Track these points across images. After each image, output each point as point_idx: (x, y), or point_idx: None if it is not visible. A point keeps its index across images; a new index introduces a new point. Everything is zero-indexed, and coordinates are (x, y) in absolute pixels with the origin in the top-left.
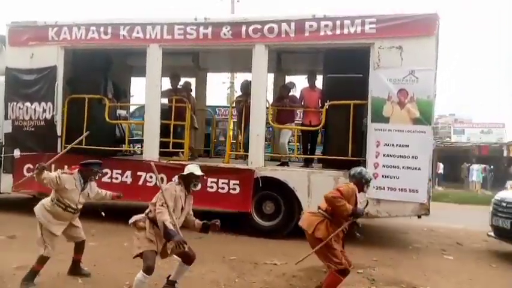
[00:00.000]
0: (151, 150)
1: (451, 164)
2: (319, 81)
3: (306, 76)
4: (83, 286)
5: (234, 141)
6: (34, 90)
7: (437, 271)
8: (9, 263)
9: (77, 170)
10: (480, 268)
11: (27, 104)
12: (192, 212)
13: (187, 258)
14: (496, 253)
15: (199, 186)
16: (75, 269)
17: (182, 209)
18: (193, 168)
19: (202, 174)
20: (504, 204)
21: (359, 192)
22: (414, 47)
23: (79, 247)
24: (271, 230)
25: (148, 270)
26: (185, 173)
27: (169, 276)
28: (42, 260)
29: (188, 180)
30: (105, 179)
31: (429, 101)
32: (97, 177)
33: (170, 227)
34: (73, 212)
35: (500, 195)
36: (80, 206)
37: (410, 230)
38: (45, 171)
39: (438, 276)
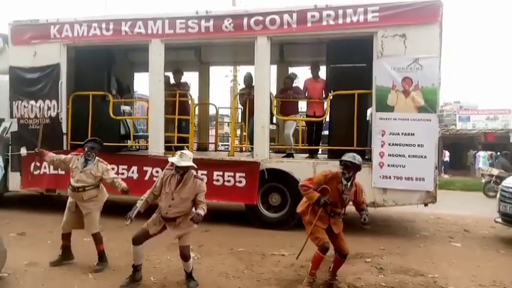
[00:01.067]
0: (156, 145)
1: (457, 151)
2: (322, 72)
3: (310, 67)
4: (93, 281)
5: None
6: (38, 88)
7: (444, 258)
8: (21, 259)
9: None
10: (488, 255)
11: (32, 102)
12: (201, 199)
13: (181, 254)
14: (503, 239)
15: (187, 176)
16: (99, 259)
17: (172, 192)
18: (176, 156)
19: (172, 161)
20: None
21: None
22: (418, 34)
23: (93, 238)
24: (278, 222)
25: (132, 240)
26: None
27: None
28: (62, 237)
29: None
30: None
31: (434, 89)
32: (93, 154)
33: (137, 204)
34: (72, 190)
35: (508, 181)
36: (77, 184)
37: (417, 218)
38: (52, 154)
39: (446, 263)
